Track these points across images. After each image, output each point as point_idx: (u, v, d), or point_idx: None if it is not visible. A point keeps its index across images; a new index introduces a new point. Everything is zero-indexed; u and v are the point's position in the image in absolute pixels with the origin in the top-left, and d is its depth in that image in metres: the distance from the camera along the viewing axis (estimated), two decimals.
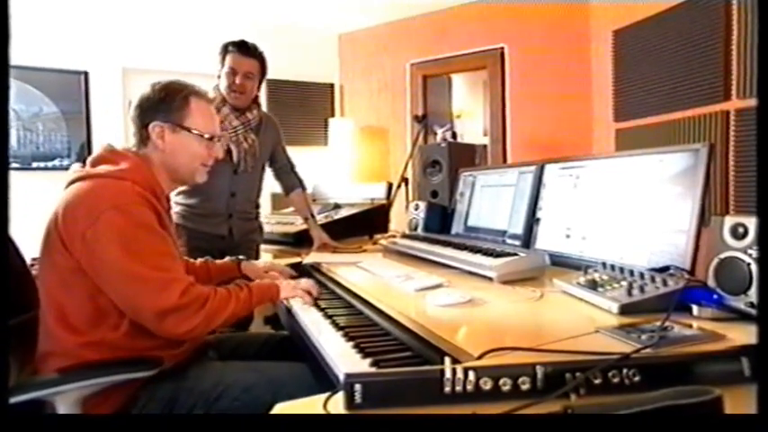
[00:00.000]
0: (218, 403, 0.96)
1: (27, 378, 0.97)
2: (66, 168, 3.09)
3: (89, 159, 1.05)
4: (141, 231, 0.94)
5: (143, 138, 1.07)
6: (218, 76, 1.80)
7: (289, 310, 1.18)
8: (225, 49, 1.77)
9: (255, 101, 1.88)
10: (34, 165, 3.10)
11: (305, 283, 1.22)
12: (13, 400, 0.85)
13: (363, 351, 0.84)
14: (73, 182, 0.99)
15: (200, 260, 1.36)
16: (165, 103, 1.06)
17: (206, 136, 1.10)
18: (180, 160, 1.09)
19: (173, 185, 1.15)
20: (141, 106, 1.07)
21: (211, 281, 1.29)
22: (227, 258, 1.41)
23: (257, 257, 1.99)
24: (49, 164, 3.14)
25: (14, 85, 3.00)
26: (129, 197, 0.95)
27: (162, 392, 0.97)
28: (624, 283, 0.88)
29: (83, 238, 0.91)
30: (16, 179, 3.13)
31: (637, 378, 0.55)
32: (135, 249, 0.92)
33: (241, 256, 1.44)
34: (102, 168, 1.01)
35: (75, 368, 0.93)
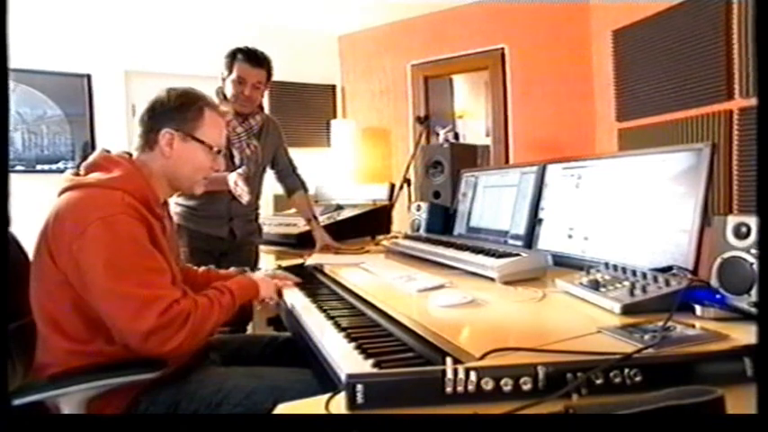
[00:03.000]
0: (220, 409, 0.96)
1: (31, 380, 0.98)
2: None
3: (83, 165, 1.04)
4: (127, 245, 0.92)
5: (149, 142, 1.05)
6: (222, 79, 1.80)
7: (291, 312, 1.19)
8: (233, 56, 1.74)
9: (258, 105, 1.88)
10: (39, 167, 3.13)
11: (280, 275, 1.27)
12: (16, 402, 0.86)
13: (365, 352, 0.84)
14: (64, 191, 0.97)
15: (203, 268, 1.35)
16: (179, 112, 1.05)
17: (214, 149, 1.10)
18: (183, 170, 1.08)
19: (168, 193, 1.13)
20: (154, 110, 1.05)
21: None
22: (231, 269, 1.40)
23: (257, 258, 1.99)
24: (54, 166, 3.16)
25: (19, 89, 3.02)
26: (118, 208, 0.93)
27: (164, 397, 0.97)
28: (626, 283, 0.88)
29: (69, 250, 0.90)
30: (21, 182, 3.14)
31: (638, 378, 0.55)
32: (119, 265, 0.90)
33: (245, 267, 1.44)
34: (94, 177, 0.99)
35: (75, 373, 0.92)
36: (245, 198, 1.55)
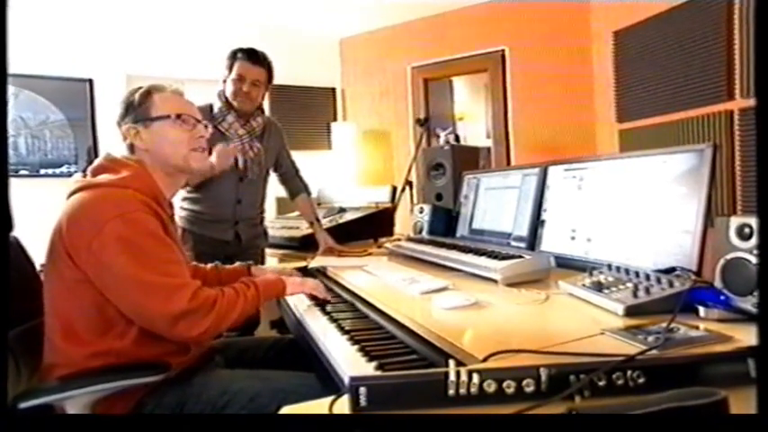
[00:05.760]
0: (225, 411, 0.96)
1: (37, 383, 0.98)
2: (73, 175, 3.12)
3: (90, 169, 1.05)
4: (146, 239, 0.95)
5: (128, 146, 1.08)
6: (224, 81, 1.81)
7: (294, 315, 1.19)
8: (233, 56, 1.77)
9: (260, 107, 1.89)
10: (42, 172, 3.14)
11: (312, 282, 1.23)
12: (22, 405, 0.86)
13: (368, 354, 0.84)
14: (74, 192, 0.99)
15: (210, 265, 1.37)
16: (131, 106, 1.08)
17: (173, 116, 1.08)
18: (164, 151, 1.07)
19: (174, 186, 1.13)
20: (118, 116, 1.09)
21: (221, 285, 1.30)
22: (237, 263, 1.42)
23: (263, 262, 2.00)
24: (57, 170, 3.17)
25: (22, 94, 3.04)
26: (133, 205, 0.95)
27: (169, 398, 0.98)
28: (630, 285, 0.88)
29: (89, 248, 0.91)
30: (25, 186, 3.14)
31: (642, 380, 0.54)
32: (141, 257, 0.93)
33: (250, 261, 1.45)
34: (104, 178, 1.01)
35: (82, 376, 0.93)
36: (231, 152, 1.69)
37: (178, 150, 1.08)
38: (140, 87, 1.10)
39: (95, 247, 0.91)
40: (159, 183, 1.07)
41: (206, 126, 1.14)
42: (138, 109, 1.07)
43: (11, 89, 2.97)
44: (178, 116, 1.08)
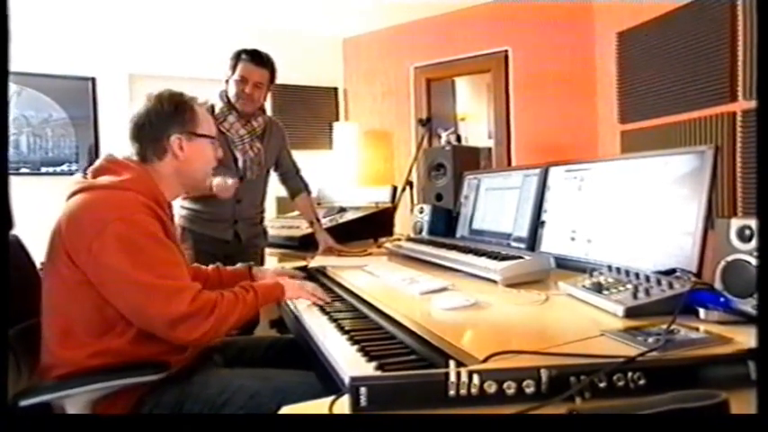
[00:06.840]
0: (224, 410, 0.96)
1: (36, 382, 0.98)
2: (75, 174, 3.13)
3: (90, 170, 1.05)
4: (147, 241, 0.95)
5: (157, 151, 1.07)
6: (226, 81, 1.81)
7: (294, 314, 1.19)
8: (237, 57, 1.78)
9: (261, 108, 1.89)
10: (43, 170, 3.14)
11: (310, 285, 1.23)
12: (23, 403, 0.86)
13: (368, 354, 0.84)
14: (75, 193, 0.98)
15: (211, 266, 1.37)
16: (178, 115, 1.08)
17: (213, 139, 1.17)
18: (196, 166, 1.13)
19: (178, 193, 1.16)
20: (152, 121, 1.06)
21: (222, 286, 1.30)
22: (238, 264, 1.42)
23: (262, 261, 2.00)
24: (58, 169, 3.18)
25: (24, 92, 3.05)
26: (134, 207, 0.95)
27: (168, 398, 0.98)
28: (630, 286, 0.88)
29: (89, 249, 0.91)
30: (26, 184, 3.15)
31: (642, 381, 0.54)
32: (142, 259, 0.93)
33: (251, 262, 1.45)
34: (105, 179, 1.01)
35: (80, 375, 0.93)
36: (229, 185, 1.66)
37: (207, 168, 1.17)
38: (182, 96, 1.11)
39: (96, 249, 0.91)
40: (165, 188, 1.08)
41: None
42: (186, 122, 1.09)
43: (13, 87, 2.98)
44: (215, 139, 1.17)
